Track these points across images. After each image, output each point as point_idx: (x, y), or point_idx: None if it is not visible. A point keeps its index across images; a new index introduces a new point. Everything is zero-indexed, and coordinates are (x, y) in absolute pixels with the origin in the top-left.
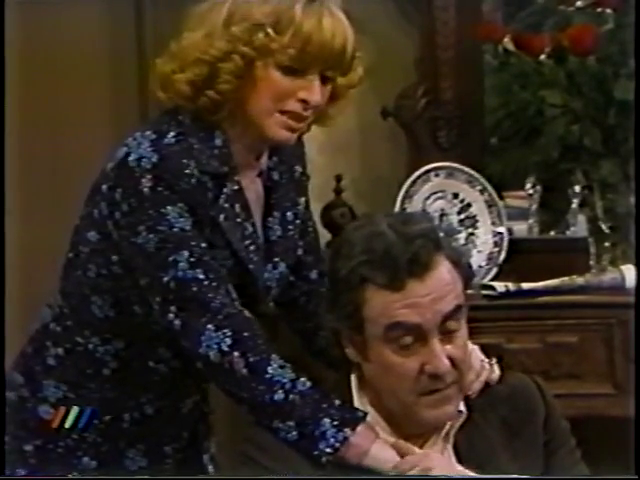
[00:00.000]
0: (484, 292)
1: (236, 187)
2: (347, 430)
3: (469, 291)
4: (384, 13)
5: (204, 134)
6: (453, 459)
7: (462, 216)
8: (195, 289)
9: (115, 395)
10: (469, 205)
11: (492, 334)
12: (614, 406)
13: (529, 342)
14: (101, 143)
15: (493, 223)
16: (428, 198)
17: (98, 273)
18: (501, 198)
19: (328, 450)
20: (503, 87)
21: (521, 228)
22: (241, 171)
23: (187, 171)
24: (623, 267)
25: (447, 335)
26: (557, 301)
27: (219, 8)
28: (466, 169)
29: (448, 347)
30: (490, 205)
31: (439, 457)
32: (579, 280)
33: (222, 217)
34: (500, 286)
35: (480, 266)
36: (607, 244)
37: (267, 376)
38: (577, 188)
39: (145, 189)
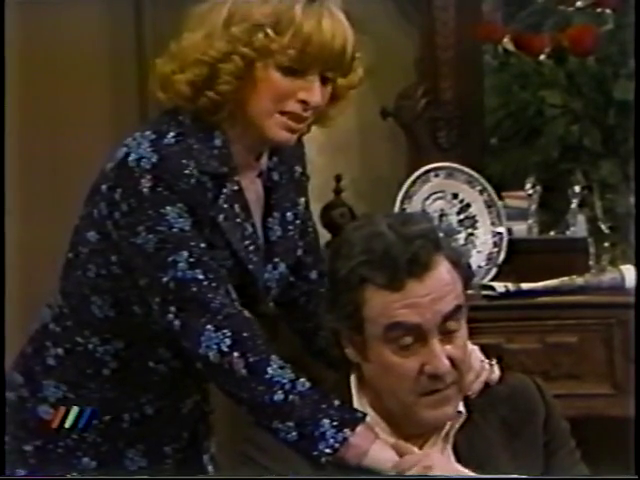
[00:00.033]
0: (484, 292)
1: (236, 187)
2: (346, 431)
3: (469, 291)
4: (384, 13)
5: (204, 134)
6: (453, 459)
7: (461, 216)
8: (194, 289)
9: (115, 395)
10: (468, 205)
11: (492, 334)
12: (614, 406)
13: (529, 342)
14: (101, 143)
15: (493, 223)
16: (428, 198)
17: (98, 273)
18: (501, 198)
19: (327, 450)
20: (503, 87)
21: (521, 228)
22: (241, 171)
23: (187, 171)
24: (623, 267)
25: (447, 335)
26: (557, 301)
27: (219, 9)
28: (466, 169)
29: (448, 347)
30: (489, 205)
31: (439, 456)
32: (579, 280)
33: (221, 217)
34: (500, 286)
35: (480, 266)
36: (607, 244)
37: (267, 376)
38: (577, 188)
39: (145, 189)
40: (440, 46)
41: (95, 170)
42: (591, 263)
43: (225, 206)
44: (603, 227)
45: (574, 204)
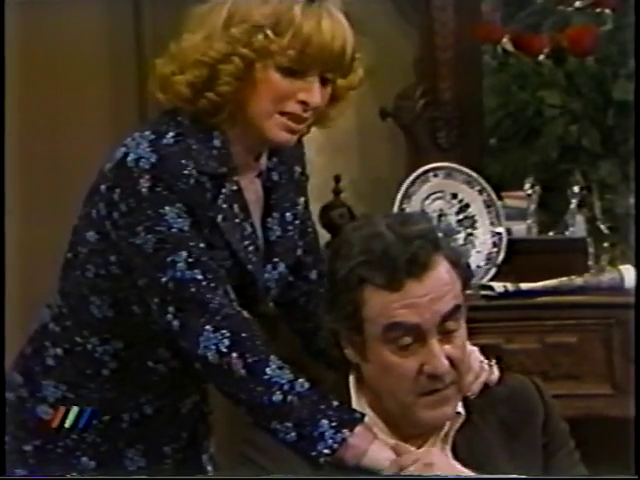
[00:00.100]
0: (483, 292)
1: (235, 188)
2: (345, 431)
3: (468, 291)
4: (383, 14)
5: (203, 135)
6: (452, 460)
7: (461, 216)
8: (193, 290)
9: (114, 395)
10: (468, 205)
11: (491, 334)
12: (613, 406)
13: (528, 342)
14: (100, 143)
15: (492, 223)
16: (427, 198)
17: (97, 273)
18: (500, 198)
19: (326, 451)
20: (502, 87)
21: (520, 228)
22: (240, 172)
23: (185, 172)
24: (622, 267)
25: (446, 335)
26: (556, 301)
27: (219, 10)
28: (465, 169)
29: (447, 347)
30: (489, 205)
31: (439, 454)
32: (578, 280)
33: (221, 218)
34: (499, 286)
35: (479, 266)
36: (606, 244)
37: (265, 377)
38: (576, 188)
39: (143, 189)
40: (439, 46)
41: (95, 170)
42: (590, 263)
43: (224, 206)
44: (602, 227)
45: (573, 204)
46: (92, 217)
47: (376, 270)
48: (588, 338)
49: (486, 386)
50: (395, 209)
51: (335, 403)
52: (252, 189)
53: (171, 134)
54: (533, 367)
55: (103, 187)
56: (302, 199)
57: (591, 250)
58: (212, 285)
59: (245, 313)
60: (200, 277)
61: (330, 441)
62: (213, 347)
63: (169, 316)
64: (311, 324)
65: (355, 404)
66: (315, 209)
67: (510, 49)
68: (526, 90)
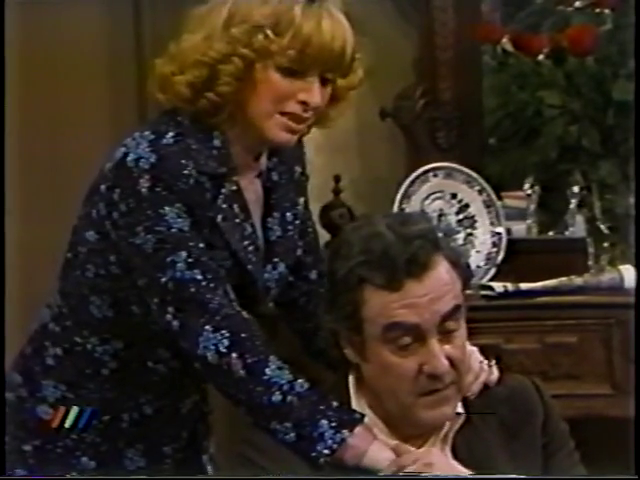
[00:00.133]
0: (482, 292)
1: (234, 188)
2: (345, 432)
3: (467, 291)
4: (382, 14)
5: (203, 135)
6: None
7: (460, 216)
8: (193, 290)
9: (114, 395)
10: (467, 205)
11: (490, 334)
12: (613, 406)
13: (528, 342)
14: (101, 143)
15: (492, 223)
16: (426, 198)
17: (96, 273)
18: (499, 198)
19: (326, 451)
20: (502, 88)
21: (519, 228)
22: (240, 172)
23: (185, 172)
24: (621, 267)
25: (446, 335)
26: (556, 301)
27: (219, 10)
28: (464, 169)
29: (447, 347)
30: (488, 205)
31: (439, 454)
32: (577, 280)
33: (220, 218)
34: (498, 286)
35: (478, 266)
36: (605, 244)
37: (265, 377)
38: (575, 188)
39: (143, 189)
40: (439, 46)
41: (95, 170)
42: (590, 263)
43: (224, 206)
44: (602, 227)
45: (573, 204)
46: (92, 217)
47: (376, 270)
48: (588, 338)
49: (486, 386)
50: (395, 209)
51: (335, 403)
52: (252, 189)
53: (171, 134)
54: (533, 367)
55: (103, 187)
56: (302, 199)
57: (591, 250)
58: (212, 285)
59: (245, 313)
60: (200, 277)
61: (330, 441)
62: (213, 347)
63: (169, 316)
64: (311, 324)
65: (355, 404)
66: (315, 209)
67: (510, 49)
68: (526, 90)
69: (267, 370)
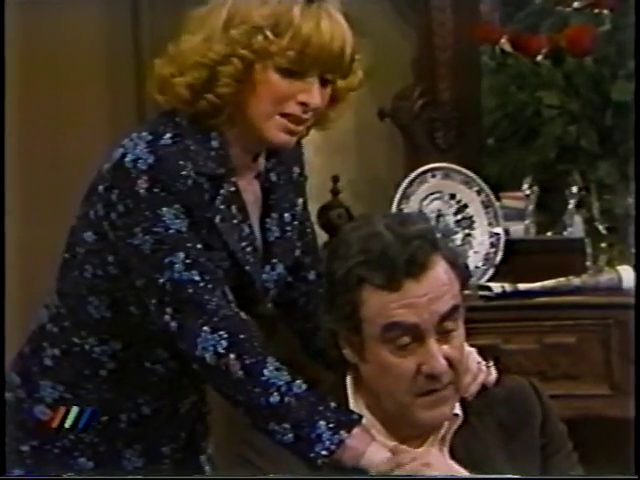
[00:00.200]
0: (481, 293)
1: (233, 189)
2: (343, 433)
3: (466, 292)
4: (381, 14)
5: (201, 136)
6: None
7: (459, 217)
8: (191, 291)
9: (112, 396)
10: (466, 206)
11: (489, 335)
12: (611, 407)
13: (526, 343)
14: (100, 144)
15: (490, 224)
16: (425, 199)
17: (94, 274)
18: (498, 199)
19: (324, 453)
20: (500, 88)
21: (518, 229)
22: (238, 173)
23: (183, 172)
24: (620, 268)
25: (444, 335)
26: (554, 302)
27: (218, 11)
28: (463, 170)
29: (445, 347)
30: (487, 206)
31: (438, 454)
32: (576, 281)
33: (218, 218)
34: (497, 287)
35: (477, 267)
36: (604, 245)
37: (263, 378)
38: (574, 189)
39: (141, 190)
40: (437, 47)
41: (95, 171)
42: (588, 264)
43: (222, 207)
44: (600, 228)
45: (571, 205)
46: (90, 217)
47: (375, 270)
48: (586, 338)
49: (484, 387)
50: (393, 209)
51: (333, 404)
52: (250, 190)
53: (169, 135)
54: (531, 367)
55: (101, 188)
56: (300, 200)
57: (589, 250)
58: (210, 286)
59: (243, 314)
60: (198, 278)
61: (327, 442)
62: (211, 348)
63: (167, 317)
64: (310, 325)
65: (352, 405)
66: (313, 209)
67: (508, 49)
68: (524, 90)
69: (265, 371)
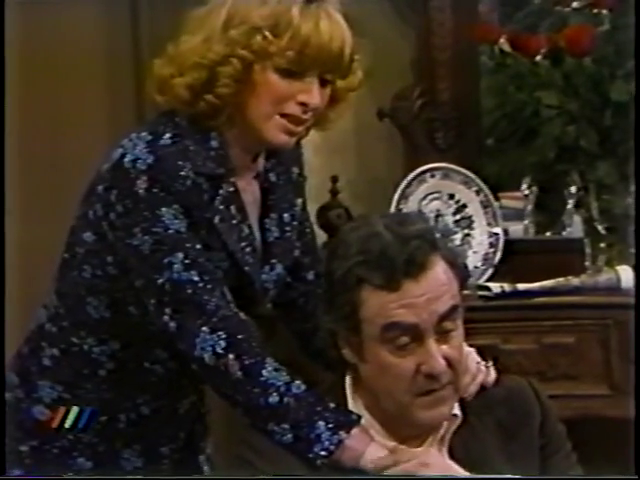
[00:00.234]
0: (480, 293)
1: (232, 189)
2: (342, 433)
3: (465, 292)
4: (380, 14)
5: (200, 136)
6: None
7: (458, 217)
8: (190, 291)
9: (111, 396)
10: (465, 206)
11: (488, 335)
12: (610, 407)
13: (525, 343)
14: (100, 143)
15: (489, 224)
16: (424, 199)
17: (93, 274)
18: (497, 199)
19: (323, 453)
20: (499, 88)
21: (517, 229)
22: (238, 173)
23: (182, 173)
24: (619, 268)
25: (443, 335)
26: (553, 302)
27: (217, 12)
28: (462, 170)
29: (444, 347)
30: (486, 206)
31: (437, 454)
32: (575, 281)
33: (217, 219)
34: (496, 287)
35: (476, 267)
36: (603, 245)
37: (262, 379)
38: (573, 189)
39: (140, 190)
40: (436, 47)
41: (95, 170)
42: (587, 264)
43: (221, 207)
44: (599, 228)
45: (570, 205)
46: (89, 218)
47: (374, 270)
48: (585, 338)
49: (483, 387)
50: (392, 209)
51: (332, 405)
52: (250, 190)
53: (168, 135)
54: (530, 367)
55: (100, 188)
56: (300, 200)
57: (588, 251)
58: (209, 286)
59: (242, 315)
60: (197, 278)
61: (327, 443)
62: (210, 348)
63: (166, 317)
64: (309, 325)
65: (351, 406)
66: (312, 210)
67: (507, 49)
68: (523, 91)
69: (264, 371)
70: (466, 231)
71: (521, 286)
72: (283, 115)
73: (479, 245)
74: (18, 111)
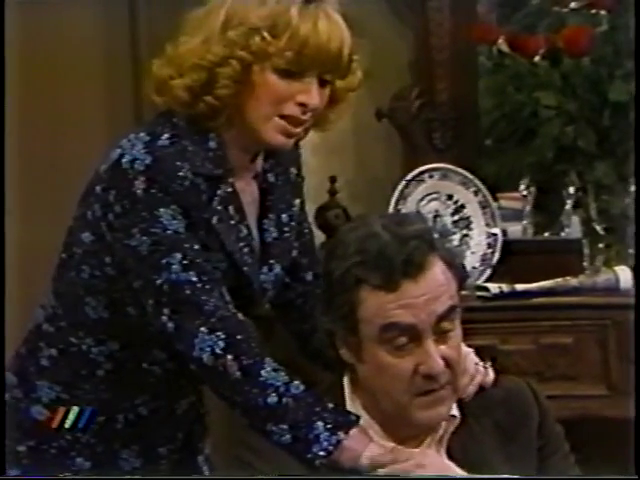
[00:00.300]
0: (478, 293)
1: (230, 189)
2: (340, 433)
3: (463, 292)
4: (379, 14)
5: (198, 136)
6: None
7: (456, 217)
8: (188, 292)
9: (109, 396)
10: (463, 206)
11: (486, 335)
12: (609, 407)
13: (523, 343)
14: (99, 144)
15: (487, 224)
16: (422, 199)
17: (92, 274)
18: (495, 199)
19: (322, 453)
20: (498, 88)
21: (515, 229)
22: (236, 173)
23: (180, 173)
24: (617, 268)
25: (441, 335)
26: (551, 302)
27: (216, 13)
28: (460, 170)
29: (442, 347)
30: (484, 206)
31: (435, 455)
32: (573, 281)
33: (216, 219)
34: (494, 287)
35: (474, 267)
36: (601, 245)
37: (260, 379)
38: (571, 189)
39: (138, 191)
40: (435, 47)
41: (94, 171)
42: (585, 264)
43: (219, 208)
44: (598, 228)
45: (569, 205)
46: (87, 218)
47: (372, 270)
48: (584, 339)
49: (481, 388)
50: (391, 210)
51: (330, 405)
52: (248, 191)
53: (166, 136)
54: (528, 368)
55: (98, 188)
56: (298, 200)
57: (586, 251)
58: (207, 287)
59: (240, 315)
60: (195, 279)
61: (325, 443)
62: (208, 349)
63: (164, 318)
64: (307, 325)
65: (349, 406)
66: (311, 210)
67: (506, 50)
68: (522, 91)
69: (263, 372)
70: (464, 231)
71: (519, 287)
72: (282, 116)
73: (477, 245)
74: (18, 111)
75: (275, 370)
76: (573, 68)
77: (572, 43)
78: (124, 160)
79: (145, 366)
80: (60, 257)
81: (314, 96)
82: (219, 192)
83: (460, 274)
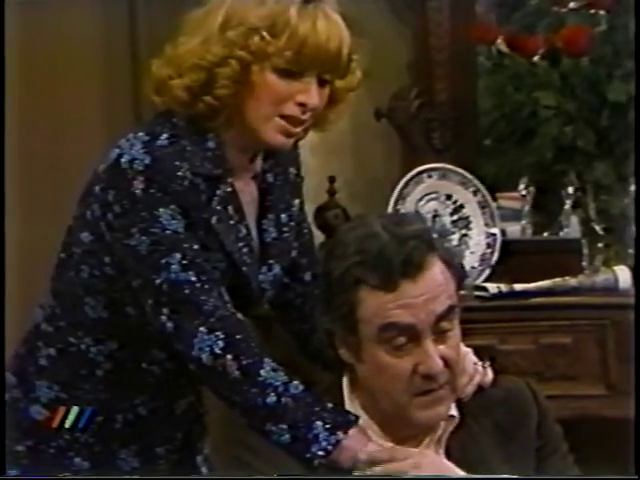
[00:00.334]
0: (477, 293)
1: (229, 189)
2: (339, 433)
3: (462, 292)
4: (378, 14)
5: (197, 136)
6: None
7: (455, 217)
8: (187, 291)
9: (108, 396)
10: (462, 206)
11: (485, 335)
12: (608, 407)
13: (522, 343)
14: (98, 144)
15: (486, 224)
16: (421, 199)
17: (91, 274)
18: (494, 199)
19: (321, 453)
20: (497, 88)
21: (514, 229)
22: (235, 173)
23: (180, 173)
24: (616, 268)
25: (440, 335)
26: (550, 302)
27: (215, 13)
28: (459, 170)
29: (441, 347)
30: (483, 206)
31: (433, 455)
32: (572, 281)
33: (215, 219)
34: (493, 287)
35: (473, 267)
36: (600, 245)
37: (260, 379)
38: (570, 189)
39: (137, 191)
40: (434, 47)
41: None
42: (584, 264)
43: (218, 208)
44: (597, 228)
45: (568, 205)
46: (86, 218)
47: (371, 270)
48: (583, 339)
49: (480, 388)
50: (390, 210)
51: (329, 405)
52: (247, 191)
53: (165, 135)
54: (528, 368)
55: (97, 188)
56: (297, 200)
57: (585, 251)
58: (206, 287)
59: (239, 315)
60: (194, 279)
61: (324, 443)
62: (207, 349)
63: (163, 317)
64: (307, 325)
65: (348, 406)
66: (310, 210)
67: (505, 50)
68: (521, 91)
69: (262, 372)
70: (463, 231)
71: (518, 286)
72: (282, 116)
73: (476, 245)
74: (18, 111)
75: (274, 370)
76: (572, 68)
77: (571, 43)
78: (123, 160)
79: (144, 366)
80: (59, 257)
81: (313, 96)
82: (218, 192)
83: (459, 274)
